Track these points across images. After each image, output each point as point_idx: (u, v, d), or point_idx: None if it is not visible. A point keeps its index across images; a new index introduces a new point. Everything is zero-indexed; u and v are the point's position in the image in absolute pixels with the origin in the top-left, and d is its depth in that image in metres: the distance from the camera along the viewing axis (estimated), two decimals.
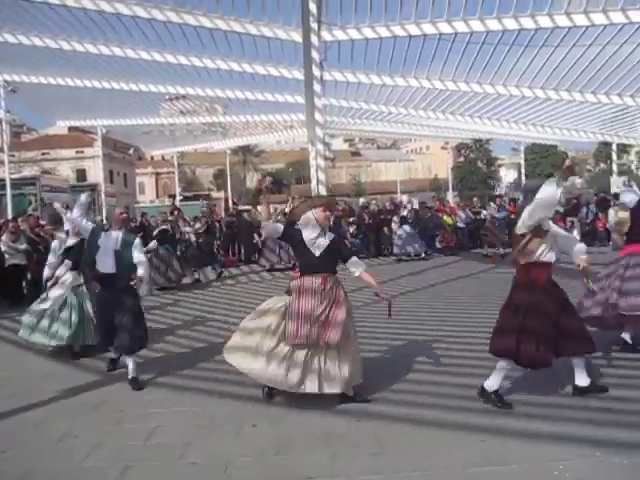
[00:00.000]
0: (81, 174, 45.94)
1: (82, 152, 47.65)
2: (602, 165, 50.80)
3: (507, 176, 59.89)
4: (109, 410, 4.46)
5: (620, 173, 28.91)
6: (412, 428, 3.85)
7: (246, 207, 21.63)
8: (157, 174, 61.05)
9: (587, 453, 3.33)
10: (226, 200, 31.70)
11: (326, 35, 10.80)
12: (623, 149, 40.52)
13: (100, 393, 4.91)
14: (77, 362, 5.95)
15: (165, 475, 3.34)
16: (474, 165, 57.53)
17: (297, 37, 11.04)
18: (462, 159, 59.19)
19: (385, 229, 16.57)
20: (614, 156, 23.26)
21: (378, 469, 3.27)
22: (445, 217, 15.85)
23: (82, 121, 21.95)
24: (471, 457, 3.36)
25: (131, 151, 34.07)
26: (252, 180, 63.18)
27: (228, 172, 32.74)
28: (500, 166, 61.51)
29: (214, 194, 40.97)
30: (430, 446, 3.55)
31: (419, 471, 3.23)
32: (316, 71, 9.92)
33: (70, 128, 39.29)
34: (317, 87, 9.95)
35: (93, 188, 23.73)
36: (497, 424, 3.82)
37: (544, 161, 52.85)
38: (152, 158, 55.79)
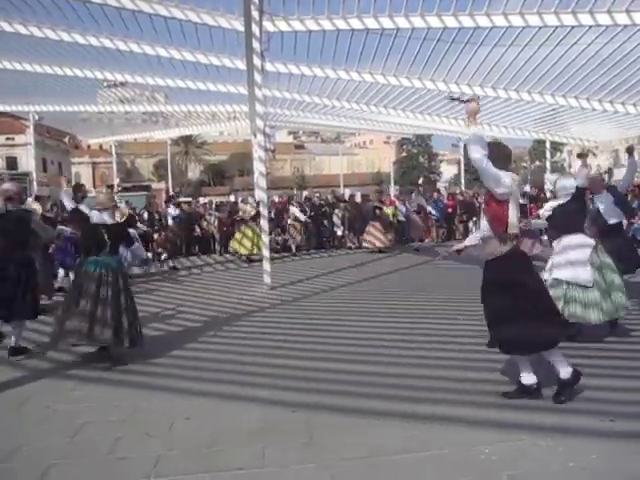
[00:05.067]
0: (12, 162, 43.83)
1: (13, 139, 45.43)
2: (537, 162, 52.74)
3: (447, 171, 61.29)
4: (35, 407, 4.28)
5: (553, 170, 30.13)
6: (341, 417, 3.90)
7: (187, 199, 21.22)
8: (94, 164, 58.97)
9: (512, 437, 3.45)
10: (167, 191, 30.97)
11: (268, 25, 10.69)
12: (556, 147, 42.23)
13: (25, 389, 4.71)
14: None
15: (91, 472, 3.23)
16: (416, 160, 58.68)
17: (239, 26, 10.88)
18: (404, 154, 60.23)
19: (326, 222, 16.81)
20: (548, 154, 24.15)
21: (308, 458, 3.28)
22: (385, 209, 16.06)
23: (12, 106, 20.89)
24: (397, 444, 3.42)
25: (66, 139, 32.77)
26: (194, 171, 62.18)
27: (169, 163, 31.99)
28: (441, 161, 62.93)
29: (155, 185, 39.95)
30: (361, 434, 3.59)
31: (349, 459, 3.26)
32: (257, 61, 9.81)
33: (0, 114, 37.37)
34: (258, 77, 9.84)
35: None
36: (422, 411, 3.91)
37: None
38: (89, 147, 53.83)
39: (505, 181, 3.81)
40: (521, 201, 5.01)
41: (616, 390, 4.17)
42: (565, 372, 3.94)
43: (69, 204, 5.79)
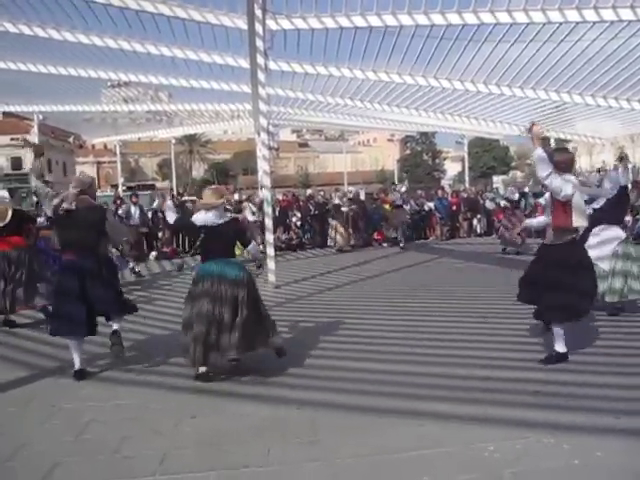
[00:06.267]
0: (17, 162, 43.98)
1: (18, 139, 45.56)
2: None
3: (451, 169, 61.15)
4: (41, 405, 4.30)
5: None
6: (347, 415, 3.90)
7: (191, 197, 21.23)
8: (99, 163, 59.16)
9: (516, 435, 3.45)
10: (171, 190, 31.04)
11: (271, 24, 10.68)
12: (561, 144, 42.05)
13: (32, 388, 4.73)
14: (5, 356, 5.72)
15: (97, 470, 3.25)
16: (420, 157, 58.56)
17: (242, 25, 10.88)
18: (408, 152, 60.12)
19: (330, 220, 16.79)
20: None
21: (314, 456, 3.29)
22: (388, 207, 16.05)
23: (17, 107, 20.97)
24: (400, 442, 3.43)
25: (70, 139, 32.81)
26: (198, 170, 62.24)
27: (173, 162, 32.04)
28: (445, 159, 62.79)
29: (159, 184, 40.05)
30: (365, 432, 3.60)
31: (354, 457, 3.26)
32: (261, 60, 9.81)
33: (4, 114, 37.53)
34: (262, 76, 9.85)
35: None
36: (426, 409, 3.92)
37: (487, 155, 54.28)
38: (93, 147, 53.98)
39: (566, 191, 4.64)
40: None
41: (620, 387, 4.16)
42: (561, 347, 4.78)
43: (173, 216, 5.35)
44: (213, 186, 5.86)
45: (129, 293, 9.52)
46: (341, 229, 15.38)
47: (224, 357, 4.61)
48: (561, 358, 4.76)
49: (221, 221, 4.91)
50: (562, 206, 4.71)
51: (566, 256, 4.73)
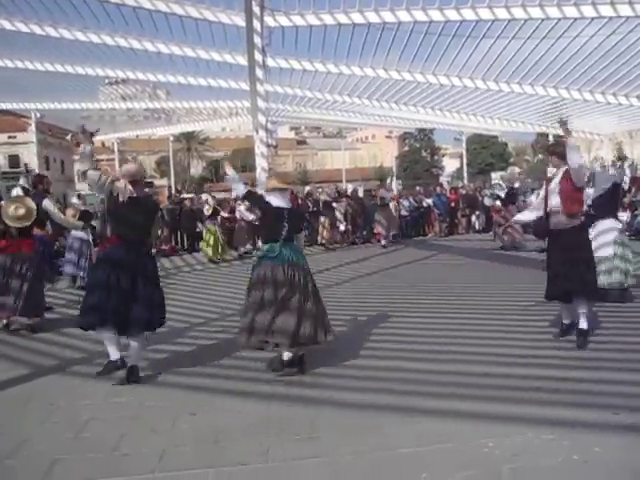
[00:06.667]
0: (14, 160, 43.84)
1: (15, 137, 45.44)
2: (540, 156, 52.57)
3: (450, 165, 61.16)
4: (40, 404, 4.30)
5: None
6: (346, 412, 3.90)
7: (189, 195, 21.22)
8: (97, 161, 58.81)
9: (515, 431, 3.45)
10: (169, 188, 30.99)
11: (269, 20, 10.66)
12: (559, 140, 42.01)
13: (31, 386, 4.72)
14: (4, 354, 5.72)
15: (96, 468, 3.24)
16: (418, 154, 58.54)
17: (240, 22, 10.86)
18: (406, 148, 60.11)
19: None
20: None
21: (313, 453, 3.29)
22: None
23: (15, 104, 20.91)
24: (399, 439, 3.42)
25: (68, 137, 32.69)
26: (197, 168, 62.17)
27: (171, 159, 32.01)
28: (443, 155, 62.77)
29: (157, 182, 39.95)
30: (364, 429, 3.60)
31: (353, 454, 3.26)
32: (258, 57, 9.80)
33: (1, 112, 37.32)
34: (260, 73, 9.84)
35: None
36: (425, 405, 3.92)
37: (485, 151, 54.27)
38: None
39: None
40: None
41: (620, 383, 4.16)
42: (584, 324, 5.18)
43: (241, 187, 5.07)
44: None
45: None
46: (328, 226, 15.33)
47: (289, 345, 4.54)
48: (583, 334, 5.17)
49: (290, 206, 4.92)
50: (577, 193, 5.17)
51: (580, 237, 5.24)
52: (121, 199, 4.59)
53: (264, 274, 4.61)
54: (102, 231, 7.48)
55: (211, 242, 12.65)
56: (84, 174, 4.72)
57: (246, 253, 13.92)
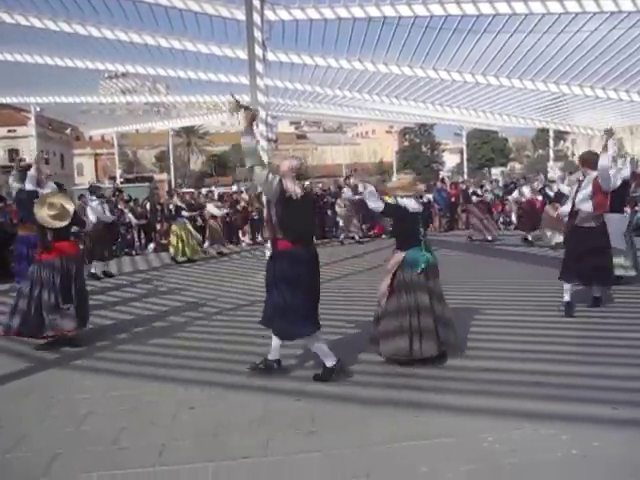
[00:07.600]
0: (13, 154, 43.83)
1: (14, 131, 45.45)
2: (540, 151, 52.50)
3: (450, 160, 61.08)
4: (40, 398, 4.30)
5: (557, 159, 30.00)
6: (347, 406, 3.91)
7: (189, 190, 21.19)
8: (96, 155, 58.90)
9: (517, 425, 3.46)
10: (169, 182, 30.96)
11: (270, 14, 10.62)
12: (559, 136, 42.03)
13: (31, 380, 4.73)
14: (4, 348, 5.72)
15: (95, 461, 3.25)
16: (418, 149, 58.46)
17: (240, 15, 10.80)
18: (407, 143, 60.02)
19: (329, 211, 16.78)
20: (551, 142, 24.03)
21: (313, 447, 3.30)
22: (386, 198, 15.98)
23: (14, 98, 20.85)
24: (399, 433, 3.43)
25: (68, 131, 32.68)
26: (196, 162, 62.09)
27: (171, 154, 31.93)
28: (443, 151, 62.68)
29: (157, 176, 39.92)
30: (364, 423, 3.61)
31: (353, 448, 3.27)
32: (259, 51, 9.76)
33: (1, 105, 37.30)
34: (260, 67, 9.80)
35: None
36: (425, 400, 3.93)
37: (485, 146, 54.18)
38: (91, 138, 53.71)
39: (615, 182, 6.41)
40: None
41: (619, 378, 4.17)
42: (598, 293, 6.45)
43: (380, 203, 4.82)
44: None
45: (125, 288, 9.54)
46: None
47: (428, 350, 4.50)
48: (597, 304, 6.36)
49: (421, 209, 4.82)
50: (605, 195, 6.05)
51: (600, 231, 6.10)
52: (294, 197, 4.22)
53: (416, 278, 4.67)
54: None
55: (174, 242, 12.57)
56: (250, 170, 4.17)
57: (219, 253, 13.84)
